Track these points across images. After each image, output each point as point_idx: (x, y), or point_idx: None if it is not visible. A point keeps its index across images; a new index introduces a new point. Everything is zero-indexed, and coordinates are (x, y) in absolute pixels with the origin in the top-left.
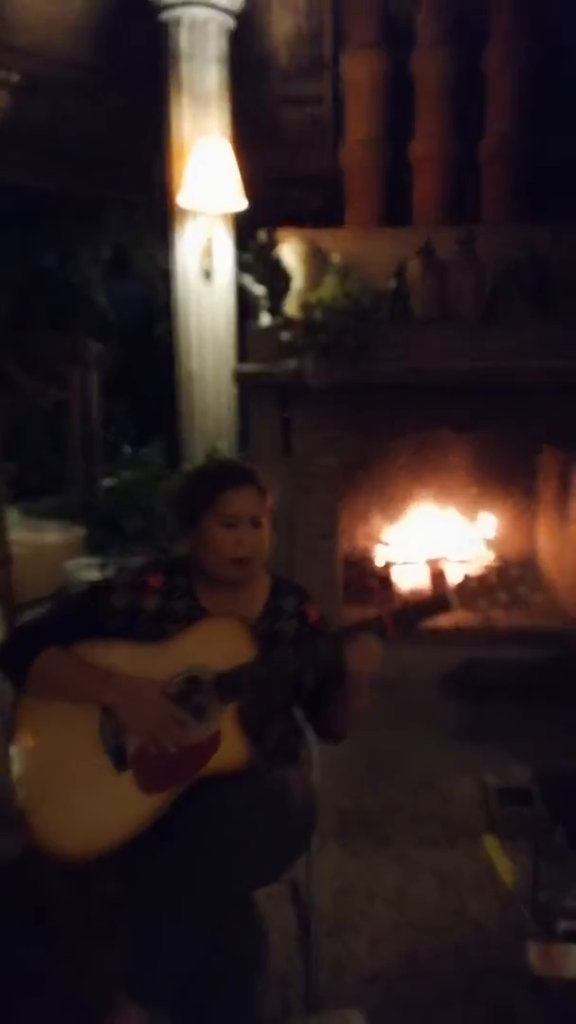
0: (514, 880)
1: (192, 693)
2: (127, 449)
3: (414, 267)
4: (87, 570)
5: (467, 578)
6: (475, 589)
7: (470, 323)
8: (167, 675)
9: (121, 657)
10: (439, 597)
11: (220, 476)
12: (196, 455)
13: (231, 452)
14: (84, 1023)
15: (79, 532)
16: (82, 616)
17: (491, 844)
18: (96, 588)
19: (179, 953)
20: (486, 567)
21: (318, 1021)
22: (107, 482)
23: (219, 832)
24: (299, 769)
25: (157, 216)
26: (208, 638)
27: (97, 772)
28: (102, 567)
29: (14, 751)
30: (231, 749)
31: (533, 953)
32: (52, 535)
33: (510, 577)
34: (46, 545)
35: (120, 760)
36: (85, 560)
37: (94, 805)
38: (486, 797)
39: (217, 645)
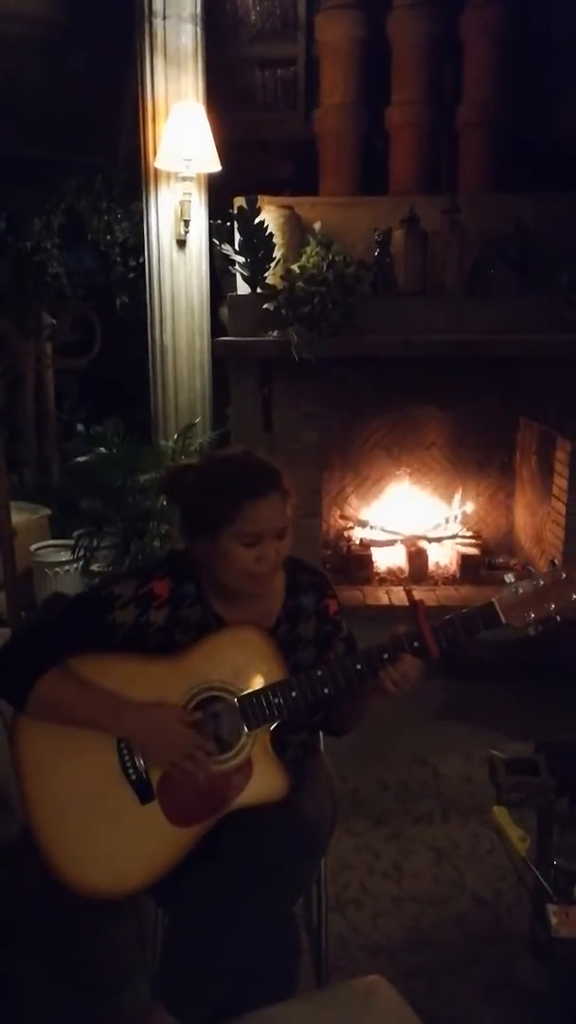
0: (526, 847)
1: (214, 718)
2: (80, 428)
3: (398, 237)
4: (55, 552)
5: (513, 587)
6: (522, 600)
7: (455, 295)
8: (182, 694)
9: (128, 675)
10: (485, 610)
11: (242, 487)
12: (170, 431)
13: (206, 428)
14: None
15: (43, 512)
16: (83, 629)
17: (500, 813)
18: (97, 602)
19: (222, 975)
20: (530, 570)
21: (344, 989)
22: (79, 459)
23: (263, 867)
24: (322, 765)
25: (119, 181)
26: (225, 651)
27: (122, 804)
28: (74, 549)
29: (23, 781)
30: (266, 779)
31: (554, 916)
32: (15, 516)
33: (559, 582)
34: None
35: (144, 792)
36: (52, 542)
37: (122, 840)
38: (493, 769)
39: (236, 659)
